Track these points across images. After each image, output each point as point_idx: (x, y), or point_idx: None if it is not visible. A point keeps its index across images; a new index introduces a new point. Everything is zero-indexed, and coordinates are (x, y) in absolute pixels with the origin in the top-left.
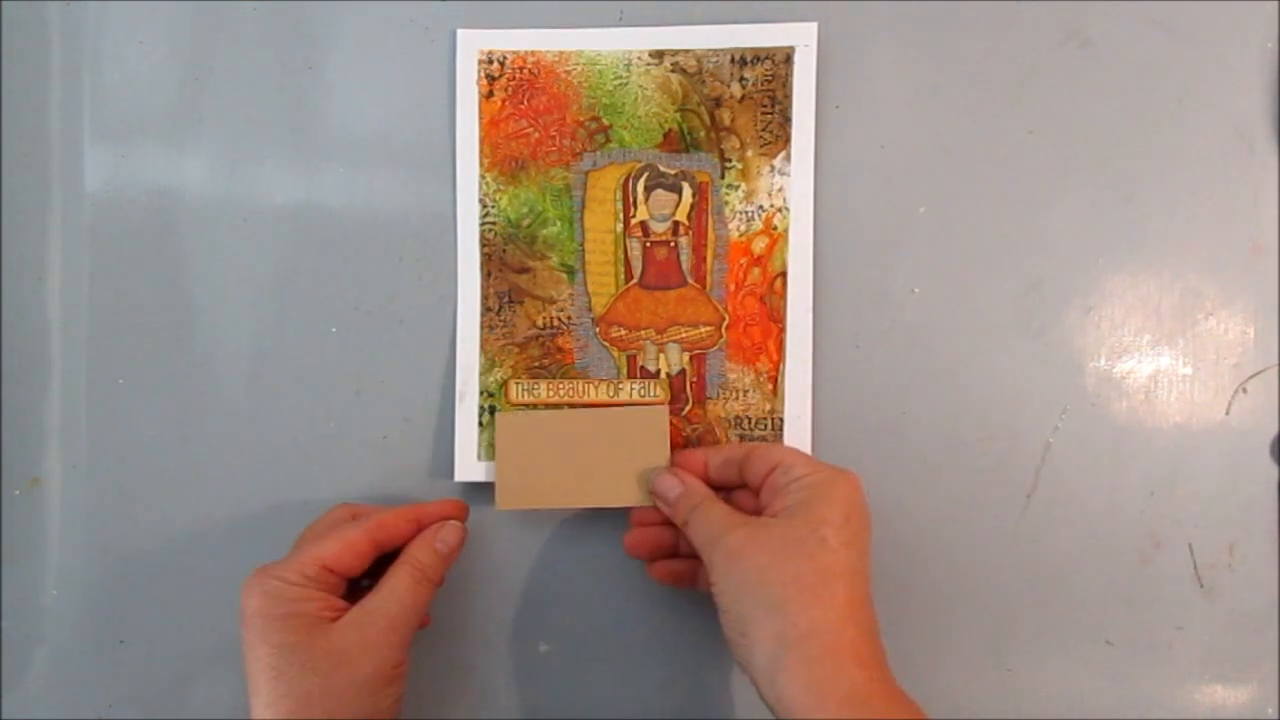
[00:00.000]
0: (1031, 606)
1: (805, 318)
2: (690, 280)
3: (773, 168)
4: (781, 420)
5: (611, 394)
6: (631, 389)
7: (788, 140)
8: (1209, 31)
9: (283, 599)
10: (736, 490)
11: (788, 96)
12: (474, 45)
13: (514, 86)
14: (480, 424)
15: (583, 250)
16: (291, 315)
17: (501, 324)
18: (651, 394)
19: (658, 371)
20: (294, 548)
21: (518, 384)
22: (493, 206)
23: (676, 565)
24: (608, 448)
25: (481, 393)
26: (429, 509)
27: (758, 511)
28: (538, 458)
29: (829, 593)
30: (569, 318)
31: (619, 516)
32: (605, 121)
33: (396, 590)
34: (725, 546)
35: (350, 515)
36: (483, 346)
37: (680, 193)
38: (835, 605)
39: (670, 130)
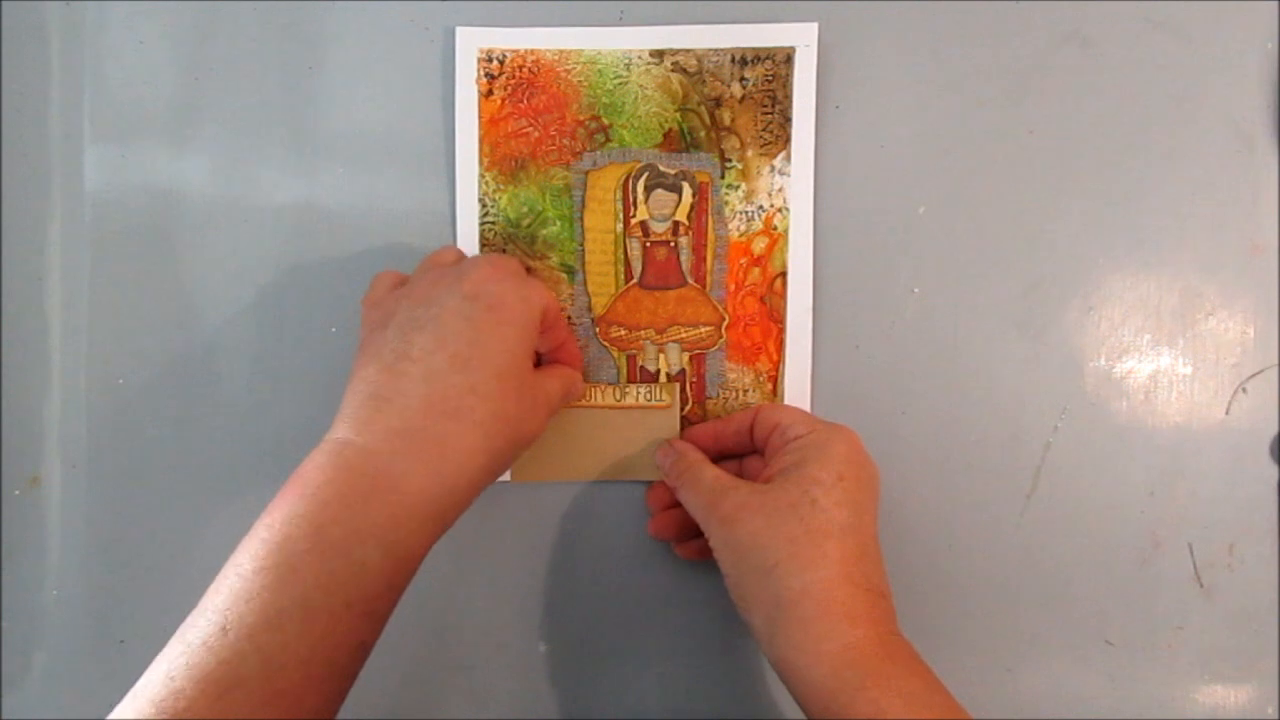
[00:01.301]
0: (1031, 606)
1: (805, 318)
2: (690, 280)
3: (773, 168)
4: None
5: (618, 398)
6: (638, 393)
7: (788, 140)
8: (1209, 31)
9: (542, 321)
10: (749, 456)
11: (788, 96)
12: (473, 44)
13: (514, 85)
14: None
15: (582, 250)
16: (291, 315)
17: None
18: (658, 398)
19: (657, 372)
20: (501, 267)
21: None
22: (492, 206)
23: (701, 543)
24: (622, 428)
25: None
26: (575, 343)
27: (769, 476)
28: (552, 433)
29: (820, 553)
30: (569, 318)
31: (619, 517)
32: (605, 121)
33: (554, 391)
34: (718, 513)
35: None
36: None
37: (680, 193)
38: (827, 565)
39: (670, 130)
